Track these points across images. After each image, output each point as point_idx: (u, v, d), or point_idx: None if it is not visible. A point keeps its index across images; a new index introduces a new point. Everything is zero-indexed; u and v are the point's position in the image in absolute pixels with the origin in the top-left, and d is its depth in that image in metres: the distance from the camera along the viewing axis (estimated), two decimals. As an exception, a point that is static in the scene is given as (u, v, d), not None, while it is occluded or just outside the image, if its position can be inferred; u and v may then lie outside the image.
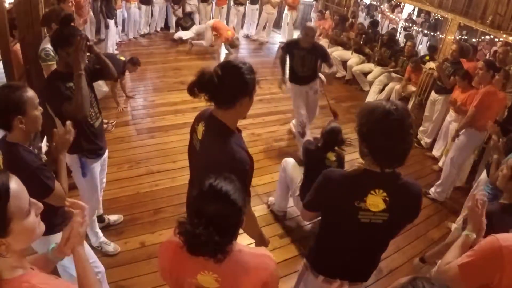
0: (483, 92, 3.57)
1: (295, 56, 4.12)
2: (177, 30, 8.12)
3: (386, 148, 1.35)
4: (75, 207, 1.17)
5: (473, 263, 1.29)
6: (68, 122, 1.73)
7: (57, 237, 1.62)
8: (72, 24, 2.81)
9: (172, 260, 1.26)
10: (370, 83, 6.28)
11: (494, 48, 6.77)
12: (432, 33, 8.13)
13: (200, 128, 1.60)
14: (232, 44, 7.19)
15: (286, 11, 8.87)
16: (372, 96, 6.00)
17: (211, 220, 1.10)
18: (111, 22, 6.41)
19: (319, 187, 1.54)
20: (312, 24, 4.69)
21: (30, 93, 1.61)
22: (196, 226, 1.09)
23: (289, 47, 4.17)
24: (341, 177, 1.49)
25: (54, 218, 1.77)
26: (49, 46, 2.88)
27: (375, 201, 1.40)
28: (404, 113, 1.34)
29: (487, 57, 6.51)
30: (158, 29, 8.44)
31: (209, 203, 1.12)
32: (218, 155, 1.50)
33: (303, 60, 4.11)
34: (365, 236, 1.48)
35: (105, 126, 4.26)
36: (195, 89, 1.47)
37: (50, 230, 1.60)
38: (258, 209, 3.32)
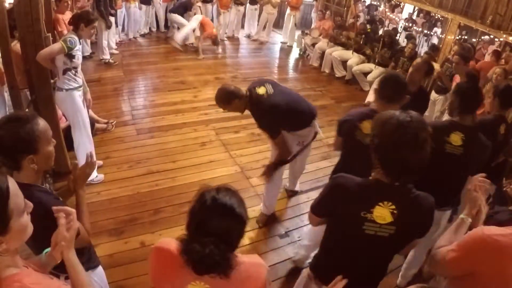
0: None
1: None
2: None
3: (397, 161, 1.31)
4: (60, 214, 1.15)
5: (458, 252, 1.32)
6: (89, 156, 1.59)
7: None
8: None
9: (163, 269, 1.22)
10: (370, 83, 6.27)
11: (492, 47, 6.78)
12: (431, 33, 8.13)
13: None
14: (215, 42, 7.31)
15: (288, 11, 8.83)
16: (372, 97, 5.99)
17: (220, 237, 1.05)
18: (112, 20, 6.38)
19: (327, 192, 1.52)
20: None
21: (42, 124, 1.36)
22: (206, 245, 1.03)
23: None
24: (351, 185, 1.43)
25: (80, 257, 1.65)
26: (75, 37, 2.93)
27: (382, 213, 1.36)
28: (419, 126, 1.29)
29: (486, 56, 6.52)
30: (154, 29, 8.40)
31: (215, 219, 1.07)
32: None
33: None
34: (370, 248, 1.44)
35: (105, 126, 4.28)
36: None
37: None
38: (258, 209, 3.32)
